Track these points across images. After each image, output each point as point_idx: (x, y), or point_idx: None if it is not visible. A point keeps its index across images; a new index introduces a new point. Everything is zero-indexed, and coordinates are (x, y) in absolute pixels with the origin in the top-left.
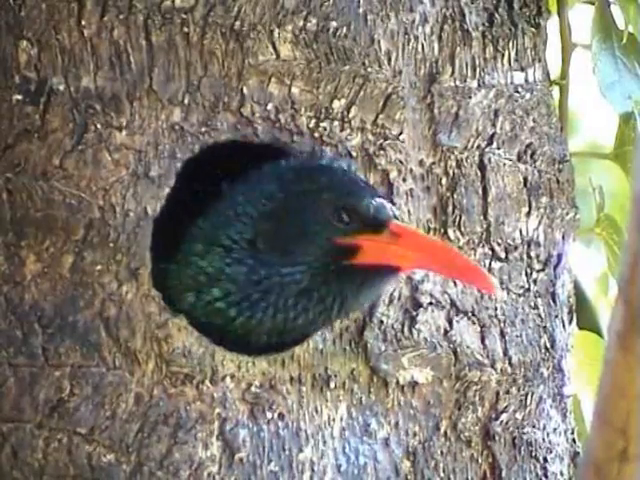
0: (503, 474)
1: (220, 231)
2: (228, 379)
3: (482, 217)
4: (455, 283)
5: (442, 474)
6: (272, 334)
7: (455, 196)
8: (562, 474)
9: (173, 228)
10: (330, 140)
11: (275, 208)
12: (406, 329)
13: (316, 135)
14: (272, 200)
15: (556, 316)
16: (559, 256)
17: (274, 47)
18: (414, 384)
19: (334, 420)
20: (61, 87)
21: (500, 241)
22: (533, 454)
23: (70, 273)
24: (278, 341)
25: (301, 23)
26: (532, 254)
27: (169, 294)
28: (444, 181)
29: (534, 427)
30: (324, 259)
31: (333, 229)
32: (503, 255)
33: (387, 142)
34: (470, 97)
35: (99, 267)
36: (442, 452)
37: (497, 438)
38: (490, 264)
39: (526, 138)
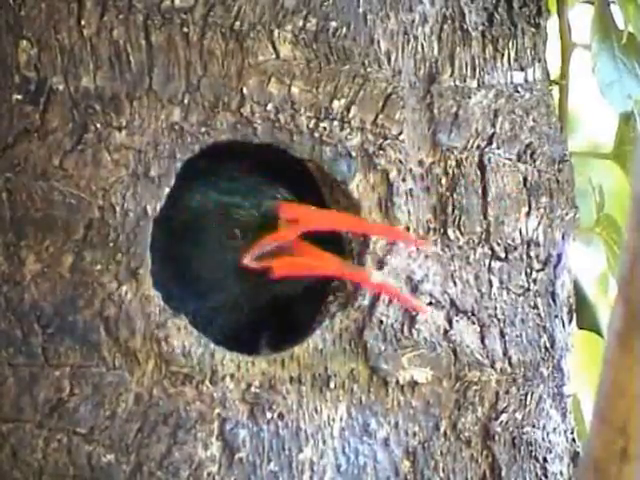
0: (503, 474)
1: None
2: (228, 379)
3: (482, 217)
4: (455, 283)
5: (442, 474)
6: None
7: (455, 196)
8: (562, 474)
9: None
10: (330, 140)
11: (174, 233)
12: (406, 329)
13: (316, 135)
14: (169, 224)
15: (556, 316)
16: (559, 256)
17: (274, 47)
18: (414, 384)
19: (334, 420)
20: (61, 87)
21: (500, 241)
22: (533, 454)
23: (70, 273)
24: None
25: (301, 23)
26: (532, 254)
27: None
28: (444, 181)
29: (534, 427)
30: (239, 284)
31: (231, 249)
32: (503, 255)
33: (387, 142)
34: (470, 97)
35: (99, 267)
36: (442, 452)
37: (497, 438)
38: (490, 264)
39: (526, 138)
